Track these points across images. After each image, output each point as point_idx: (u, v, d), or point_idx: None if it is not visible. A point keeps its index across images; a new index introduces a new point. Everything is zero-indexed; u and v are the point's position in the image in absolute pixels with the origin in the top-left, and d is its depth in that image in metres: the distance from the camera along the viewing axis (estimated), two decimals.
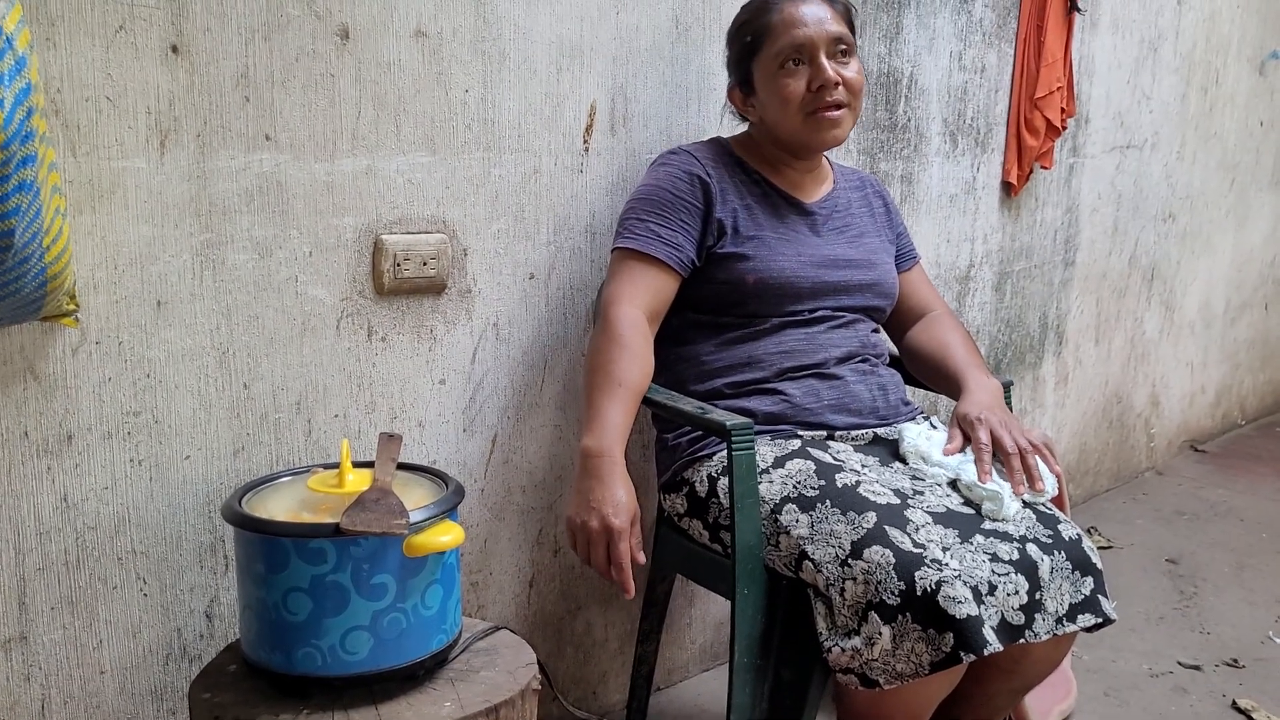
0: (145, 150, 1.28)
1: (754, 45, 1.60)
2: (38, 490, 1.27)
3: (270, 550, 1.15)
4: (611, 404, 1.44)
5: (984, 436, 1.51)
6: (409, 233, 1.54)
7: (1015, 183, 2.63)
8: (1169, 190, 3.31)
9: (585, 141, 1.73)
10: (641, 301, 1.54)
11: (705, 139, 1.72)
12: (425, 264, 1.55)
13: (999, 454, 1.49)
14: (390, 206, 1.51)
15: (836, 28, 1.57)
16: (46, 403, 1.26)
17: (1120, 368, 3.28)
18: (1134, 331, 3.31)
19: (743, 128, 1.75)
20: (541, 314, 1.73)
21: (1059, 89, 2.61)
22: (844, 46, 1.58)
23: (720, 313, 1.62)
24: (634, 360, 1.48)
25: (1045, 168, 2.71)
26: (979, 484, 1.46)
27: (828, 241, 1.67)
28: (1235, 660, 2.26)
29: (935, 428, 1.65)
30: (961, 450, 1.53)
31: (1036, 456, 1.50)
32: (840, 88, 1.57)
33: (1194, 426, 3.78)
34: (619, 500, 1.37)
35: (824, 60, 1.56)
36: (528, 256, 1.69)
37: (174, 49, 1.29)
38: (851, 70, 1.59)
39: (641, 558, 1.38)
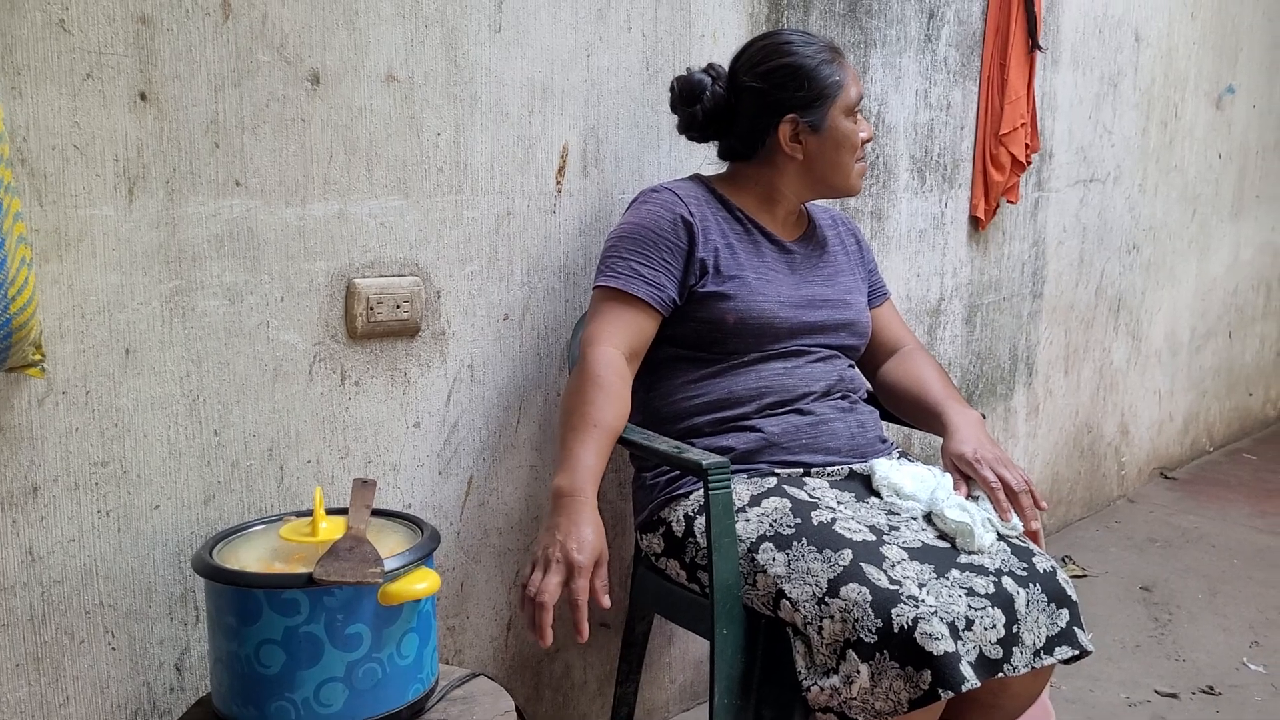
0: (113, 198, 1.28)
1: (834, 89, 1.62)
2: (2, 545, 1.25)
3: (242, 602, 1.13)
4: (585, 444, 1.43)
5: (991, 475, 1.53)
6: (382, 276, 1.53)
7: (982, 217, 2.66)
8: (1132, 222, 3.36)
9: (558, 183, 1.74)
10: (620, 341, 1.54)
11: (684, 177, 1.73)
12: (398, 307, 1.54)
13: (1006, 493, 1.53)
14: (363, 250, 1.51)
15: None
16: (11, 455, 1.24)
17: (1090, 397, 3.32)
18: (1102, 361, 3.35)
19: (720, 167, 1.76)
20: (516, 355, 1.73)
21: (1022, 125, 2.65)
22: None
23: (699, 349, 1.62)
24: (609, 401, 1.47)
25: (1011, 202, 2.75)
26: (950, 517, 1.47)
27: (805, 280, 1.68)
28: (1211, 688, 2.27)
29: (905, 460, 1.66)
30: (972, 494, 1.55)
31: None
32: None
33: (1163, 454, 3.82)
34: (585, 538, 1.34)
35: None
36: (502, 298, 1.69)
37: (142, 96, 1.29)
38: None
39: (605, 601, 1.33)
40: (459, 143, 1.60)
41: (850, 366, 1.74)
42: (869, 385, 1.82)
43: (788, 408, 1.61)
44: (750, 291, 1.60)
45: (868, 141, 1.67)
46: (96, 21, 1.24)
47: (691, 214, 1.60)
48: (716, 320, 1.59)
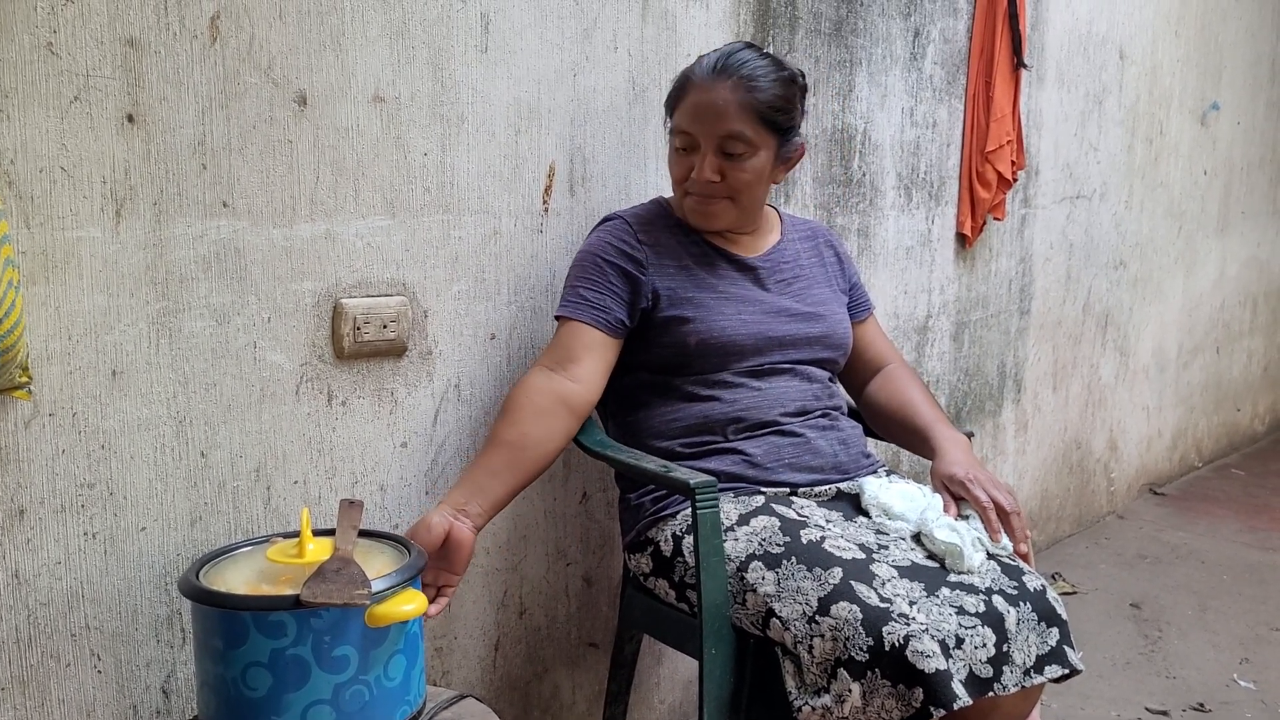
0: (100, 220, 1.28)
1: (669, 111, 1.65)
2: None
3: (228, 624, 1.12)
4: (474, 463, 1.51)
5: (984, 496, 1.53)
6: (369, 296, 1.53)
7: (969, 234, 2.67)
8: (1119, 238, 3.38)
9: (544, 202, 1.74)
10: (553, 359, 1.57)
11: (646, 201, 1.74)
12: (385, 327, 1.54)
13: (998, 513, 1.53)
14: (350, 270, 1.51)
15: (733, 126, 1.55)
16: None
17: (1078, 413, 3.33)
18: (1090, 377, 3.36)
19: None
20: (503, 374, 1.73)
21: (1009, 142, 2.67)
22: (739, 147, 1.57)
23: (668, 373, 1.63)
24: (508, 419, 1.52)
25: (998, 219, 2.77)
26: (939, 537, 1.47)
27: (771, 296, 1.68)
28: (1202, 705, 2.27)
29: (894, 478, 1.66)
30: (962, 514, 1.55)
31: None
32: (714, 184, 1.59)
33: (1152, 470, 3.83)
34: (413, 528, 1.42)
35: (710, 155, 1.57)
36: (488, 317, 1.69)
37: (130, 118, 1.29)
38: (741, 166, 1.58)
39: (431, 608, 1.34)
40: (446, 163, 1.60)
41: (831, 381, 1.74)
42: (850, 400, 1.82)
43: (766, 428, 1.61)
44: (709, 312, 1.61)
45: (692, 179, 1.59)
46: (84, 44, 1.24)
47: (639, 241, 1.62)
48: (679, 344, 1.60)
